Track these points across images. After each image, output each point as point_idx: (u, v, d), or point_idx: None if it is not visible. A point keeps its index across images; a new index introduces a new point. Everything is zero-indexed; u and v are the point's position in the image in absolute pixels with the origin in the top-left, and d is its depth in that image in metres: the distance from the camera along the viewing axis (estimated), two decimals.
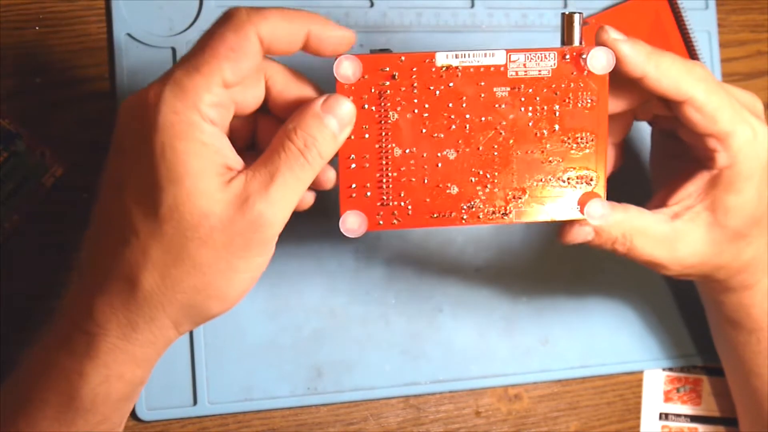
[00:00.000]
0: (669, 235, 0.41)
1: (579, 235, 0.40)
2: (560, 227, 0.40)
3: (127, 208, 0.33)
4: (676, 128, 0.41)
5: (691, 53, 0.52)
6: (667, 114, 0.41)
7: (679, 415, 0.53)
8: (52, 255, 0.45)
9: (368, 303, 0.48)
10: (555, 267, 0.51)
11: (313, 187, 0.37)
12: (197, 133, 0.32)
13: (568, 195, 0.39)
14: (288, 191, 0.34)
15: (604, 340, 0.51)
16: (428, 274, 0.49)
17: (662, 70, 0.37)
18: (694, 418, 0.53)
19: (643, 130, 0.50)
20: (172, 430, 0.46)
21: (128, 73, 0.45)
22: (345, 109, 0.35)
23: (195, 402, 0.45)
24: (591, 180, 0.39)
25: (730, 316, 0.46)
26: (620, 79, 0.38)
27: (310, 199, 0.38)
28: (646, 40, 0.39)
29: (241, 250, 0.33)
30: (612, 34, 0.37)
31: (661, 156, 0.45)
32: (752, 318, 0.45)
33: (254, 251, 0.34)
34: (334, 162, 0.37)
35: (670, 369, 0.53)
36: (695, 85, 0.38)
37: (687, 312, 0.52)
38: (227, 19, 0.33)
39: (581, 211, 0.39)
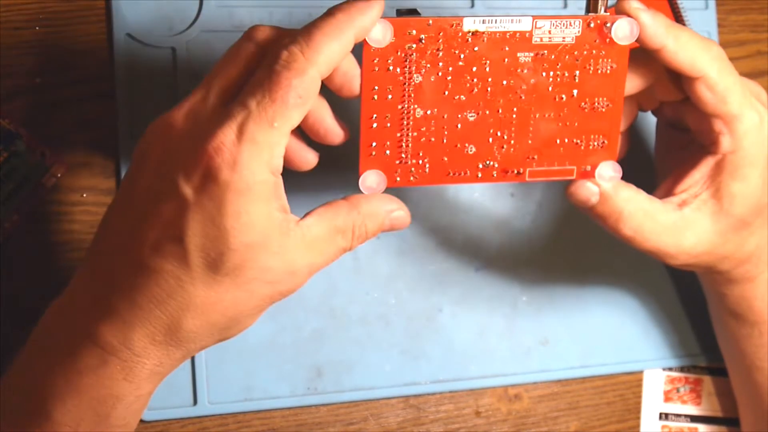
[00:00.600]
0: (676, 223, 0.41)
1: (584, 192, 0.40)
2: (569, 183, 0.41)
3: (188, 257, 0.33)
4: (683, 113, 0.41)
5: None
6: (673, 98, 0.41)
7: (679, 415, 0.53)
8: (52, 255, 0.45)
9: (368, 303, 0.48)
10: (555, 267, 0.51)
11: (292, 167, 0.37)
12: (268, 190, 0.33)
13: (582, 156, 0.40)
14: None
15: (604, 339, 0.51)
16: (428, 274, 0.49)
17: (681, 44, 0.38)
18: (694, 418, 0.53)
19: (649, 122, 0.50)
20: (172, 430, 0.46)
21: (128, 73, 0.45)
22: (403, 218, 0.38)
23: (195, 402, 0.45)
24: (604, 144, 0.40)
25: (732, 309, 0.46)
26: (631, 59, 0.39)
27: (313, 160, 0.38)
28: None
29: (275, 299, 0.36)
30: (634, 3, 0.37)
31: (666, 148, 0.46)
32: (754, 310, 0.45)
33: (280, 299, 0.36)
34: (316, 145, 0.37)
35: (671, 369, 0.53)
36: (711, 62, 0.38)
37: (688, 311, 0.52)
38: (287, 63, 0.33)
39: (592, 172, 0.40)
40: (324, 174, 0.40)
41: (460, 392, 0.49)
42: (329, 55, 0.33)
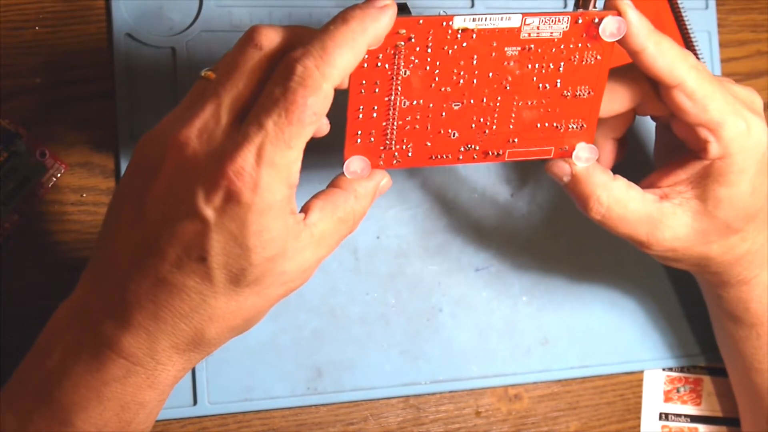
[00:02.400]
0: (653, 214, 0.41)
1: (558, 169, 0.41)
2: (551, 161, 0.42)
3: (211, 274, 0.33)
4: (671, 123, 0.42)
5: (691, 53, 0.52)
6: (661, 114, 0.41)
7: (679, 415, 0.53)
8: (52, 255, 0.45)
9: (368, 303, 0.48)
10: (555, 267, 0.51)
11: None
12: (287, 206, 0.33)
13: (560, 138, 0.41)
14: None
15: (604, 339, 0.51)
16: (428, 274, 0.49)
17: (661, 49, 0.38)
18: (694, 418, 0.53)
19: (649, 123, 0.50)
20: (172, 430, 0.46)
21: (128, 73, 0.45)
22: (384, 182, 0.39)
23: (195, 402, 0.45)
24: (583, 127, 0.41)
25: (729, 311, 0.46)
26: (616, 78, 0.40)
27: (326, 127, 0.38)
28: None
29: (286, 296, 0.37)
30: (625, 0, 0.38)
31: (665, 147, 0.46)
32: (751, 312, 0.45)
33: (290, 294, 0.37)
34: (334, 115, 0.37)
35: (671, 369, 0.53)
36: (688, 71, 0.39)
37: (688, 312, 0.52)
38: (302, 79, 0.32)
39: (570, 152, 0.41)
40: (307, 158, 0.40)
41: (460, 392, 0.49)
42: (344, 67, 0.33)
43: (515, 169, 0.50)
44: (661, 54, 0.38)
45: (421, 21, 0.36)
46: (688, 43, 0.52)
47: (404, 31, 0.36)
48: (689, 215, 0.41)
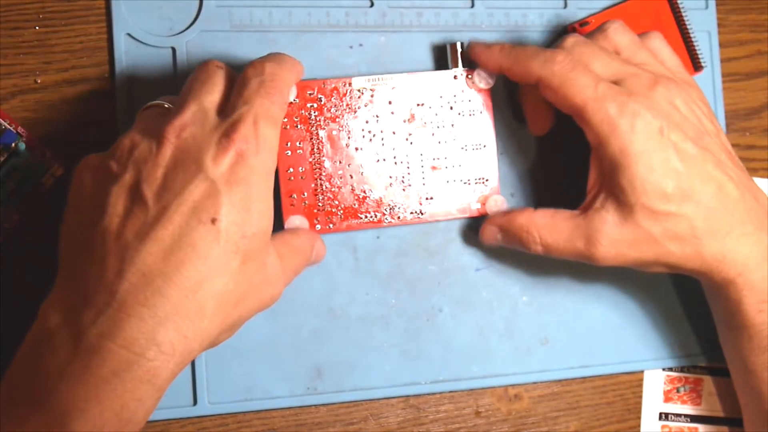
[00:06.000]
0: (582, 227, 0.42)
1: (489, 236, 0.46)
2: (481, 231, 0.46)
3: (219, 237, 0.35)
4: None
5: (691, 53, 0.52)
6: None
7: (679, 415, 0.53)
8: (52, 255, 0.45)
9: (368, 303, 0.48)
10: (555, 267, 0.51)
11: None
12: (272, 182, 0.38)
13: (470, 195, 0.46)
14: None
15: (604, 339, 0.51)
16: (428, 274, 0.49)
17: (512, 60, 0.43)
18: (694, 418, 0.53)
19: None
20: (172, 430, 0.46)
21: (128, 73, 0.45)
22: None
23: (195, 402, 0.45)
24: (487, 181, 0.46)
25: (722, 312, 0.46)
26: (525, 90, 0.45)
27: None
28: None
29: (255, 311, 0.39)
30: (471, 43, 0.45)
31: None
32: (742, 313, 0.45)
33: (258, 312, 0.40)
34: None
35: (671, 369, 0.53)
36: (542, 65, 0.41)
37: (688, 311, 0.52)
38: (272, 75, 0.38)
39: (483, 209, 0.46)
40: None
41: (460, 392, 0.49)
42: (291, 80, 0.40)
43: (515, 169, 0.50)
44: (515, 63, 0.42)
45: (324, 84, 0.43)
46: (688, 44, 0.52)
47: (313, 91, 0.43)
48: (612, 214, 0.41)
